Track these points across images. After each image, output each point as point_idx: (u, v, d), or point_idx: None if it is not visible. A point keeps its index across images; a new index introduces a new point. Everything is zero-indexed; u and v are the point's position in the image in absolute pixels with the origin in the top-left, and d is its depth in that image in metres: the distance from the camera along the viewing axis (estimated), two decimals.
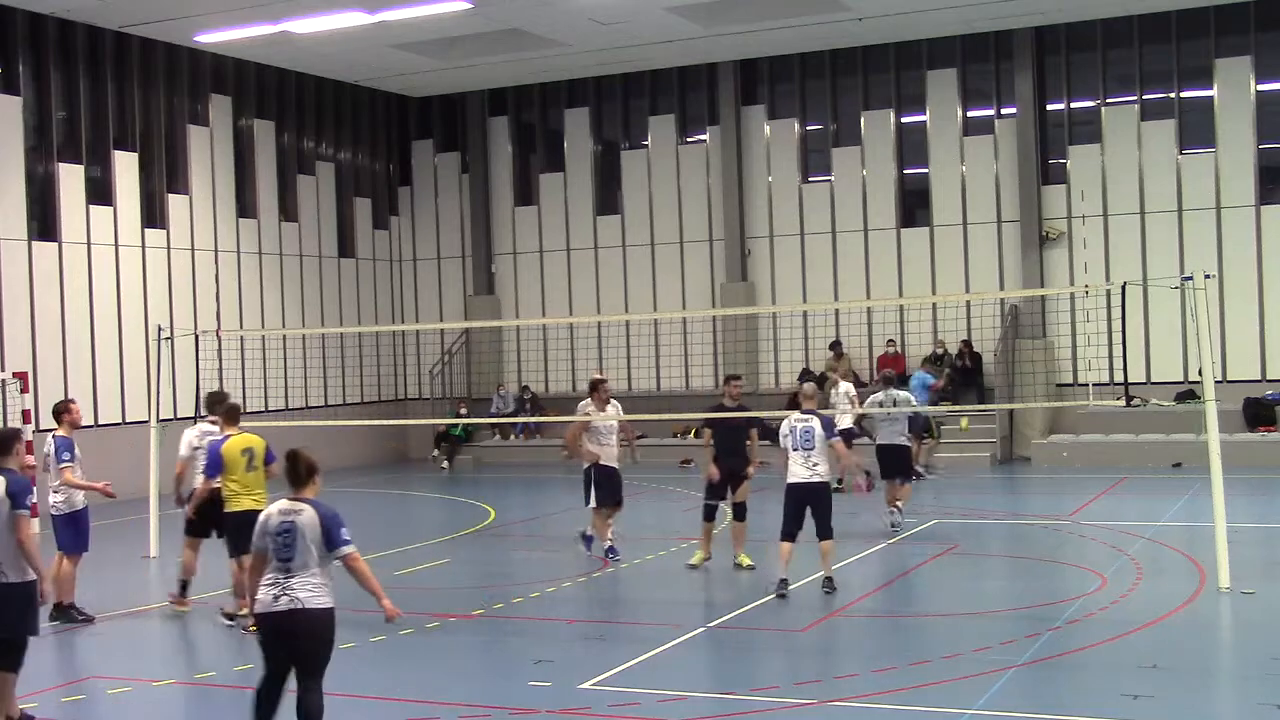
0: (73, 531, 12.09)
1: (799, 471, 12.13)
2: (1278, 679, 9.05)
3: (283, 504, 7.61)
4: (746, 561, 13.60)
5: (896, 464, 16.14)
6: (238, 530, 11.12)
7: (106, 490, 11.81)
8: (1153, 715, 8.36)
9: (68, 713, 9.28)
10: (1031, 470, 22.64)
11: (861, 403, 18.03)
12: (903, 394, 16.66)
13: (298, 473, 7.67)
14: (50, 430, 12.49)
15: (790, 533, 12.25)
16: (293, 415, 24.77)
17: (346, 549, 7.50)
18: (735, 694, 9.12)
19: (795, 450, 12.16)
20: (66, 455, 11.99)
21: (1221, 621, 11.11)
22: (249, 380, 22.88)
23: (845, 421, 18.28)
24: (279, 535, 7.48)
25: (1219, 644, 10.67)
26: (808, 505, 12.19)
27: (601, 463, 14.15)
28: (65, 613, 12.04)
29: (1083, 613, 11.20)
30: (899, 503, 16.01)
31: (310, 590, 7.43)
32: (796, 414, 12.42)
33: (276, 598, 7.44)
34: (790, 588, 12.19)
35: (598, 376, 14.88)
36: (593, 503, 14.22)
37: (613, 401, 14.47)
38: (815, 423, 12.21)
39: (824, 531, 12.27)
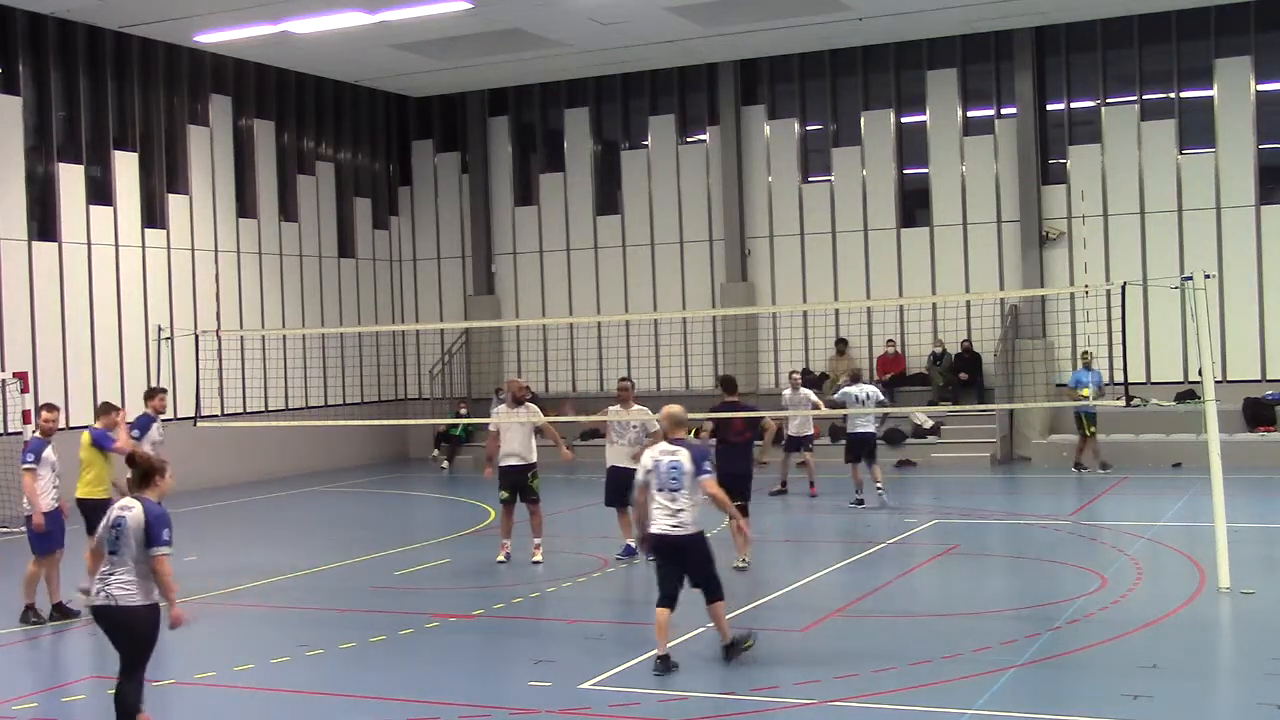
0: (41, 533, 12.09)
1: (662, 521, 9.64)
2: (1278, 679, 9.05)
3: (123, 500, 8.19)
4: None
5: (864, 449, 18.09)
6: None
7: (38, 521, 11.95)
8: (1153, 715, 8.36)
9: (68, 713, 9.28)
10: (1031, 470, 22.64)
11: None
12: (872, 388, 18.52)
13: (138, 475, 8.19)
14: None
15: (666, 596, 9.72)
16: (293, 415, 24.80)
17: (159, 550, 7.92)
18: (735, 694, 9.12)
19: (660, 491, 9.66)
20: (30, 457, 12.18)
21: (1221, 621, 11.10)
22: (249, 380, 22.89)
23: (807, 427, 19.54)
24: (112, 528, 8.04)
25: (1219, 644, 10.66)
26: (679, 562, 9.72)
27: (609, 463, 14.55)
28: (64, 611, 12.09)
29: (1083, 613, 11.20)
30: (878, 484, 18.05)
31: (125, 589, 7.92)
32: (663, 444, 9.89)
33: (98, 592, 7.99)
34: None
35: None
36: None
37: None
38: (683, 456, 9.66)
39: (709, 591, 9.74)
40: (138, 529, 7.93)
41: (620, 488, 14.38)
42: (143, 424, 13.52)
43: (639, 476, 9.84)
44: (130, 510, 8.00)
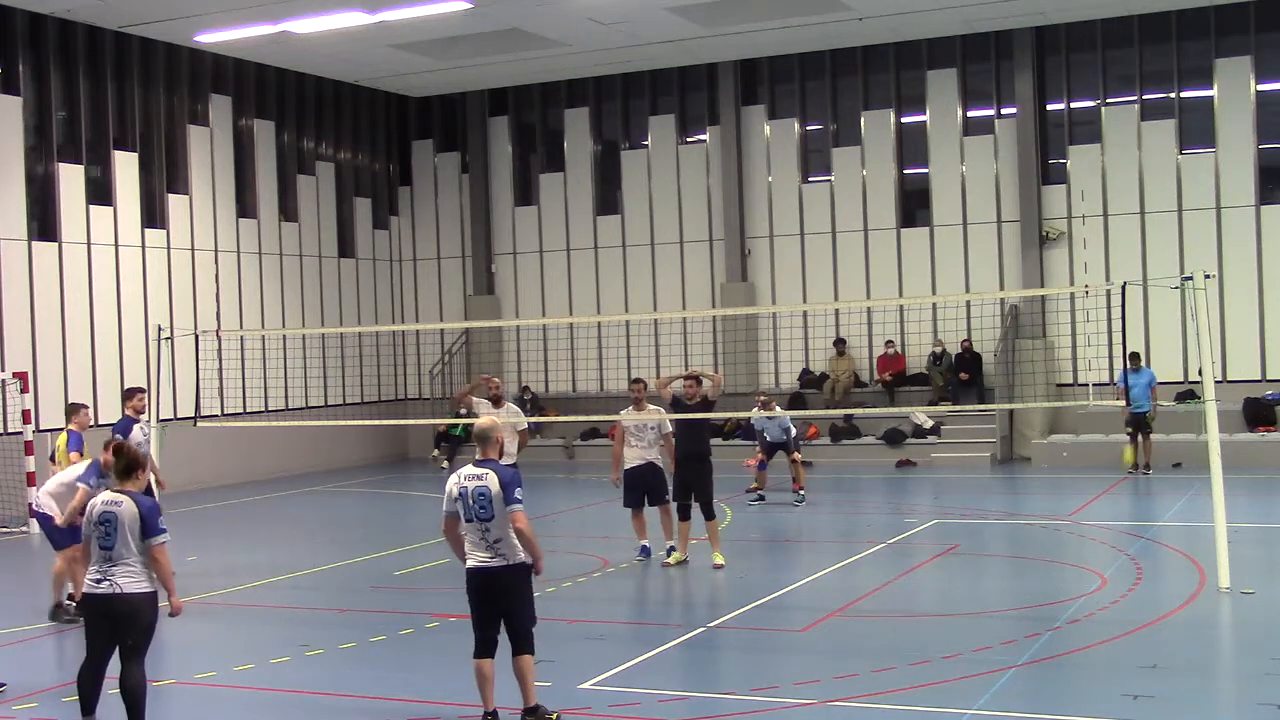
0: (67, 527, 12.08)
1: (477, 554, 8.25)
2: (1278, 679, 9.05)
3: (106, 495, 8.16)
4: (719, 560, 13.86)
5: (773, 451, 19.19)
6: None
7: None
8: (1153, 715, 8.35)
9: (68, 713, 9.27)
10: (1031, 470, 22.63)
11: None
12: (782, 412, 19.44)
13: (121, 466, 8.20)
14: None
15: (484, 643, 8.38)
16: (293, 415, 24.79)
17: (158, 539, 8.02)
18: (735, 694, 9.12)
19: (469, 521, 8.22)
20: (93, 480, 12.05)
21: (1221, 621, 11.10)
22: (249, 380, 22.89)
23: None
24: (100, 525, 8.02)
25: (1219, 644, 10.66)
26: (497, 602, 8.32)
27: (627, 464, 14.31)
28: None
29: (1083, 613, 11.20)
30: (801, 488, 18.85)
31: (129, 577, 7.99)
32: (468, 468, 8.32)
33: (98, 582, 8.02)
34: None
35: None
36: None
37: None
38: (491, 480, 8.18)
39: (519, 643, 8.36)
40: (133, 522, 7.96)
41: (636, 488, 14.26)
42: (123, 427, 13.08)
43: (445, 506, 8.35)
44: (120, 505, 8.01)
